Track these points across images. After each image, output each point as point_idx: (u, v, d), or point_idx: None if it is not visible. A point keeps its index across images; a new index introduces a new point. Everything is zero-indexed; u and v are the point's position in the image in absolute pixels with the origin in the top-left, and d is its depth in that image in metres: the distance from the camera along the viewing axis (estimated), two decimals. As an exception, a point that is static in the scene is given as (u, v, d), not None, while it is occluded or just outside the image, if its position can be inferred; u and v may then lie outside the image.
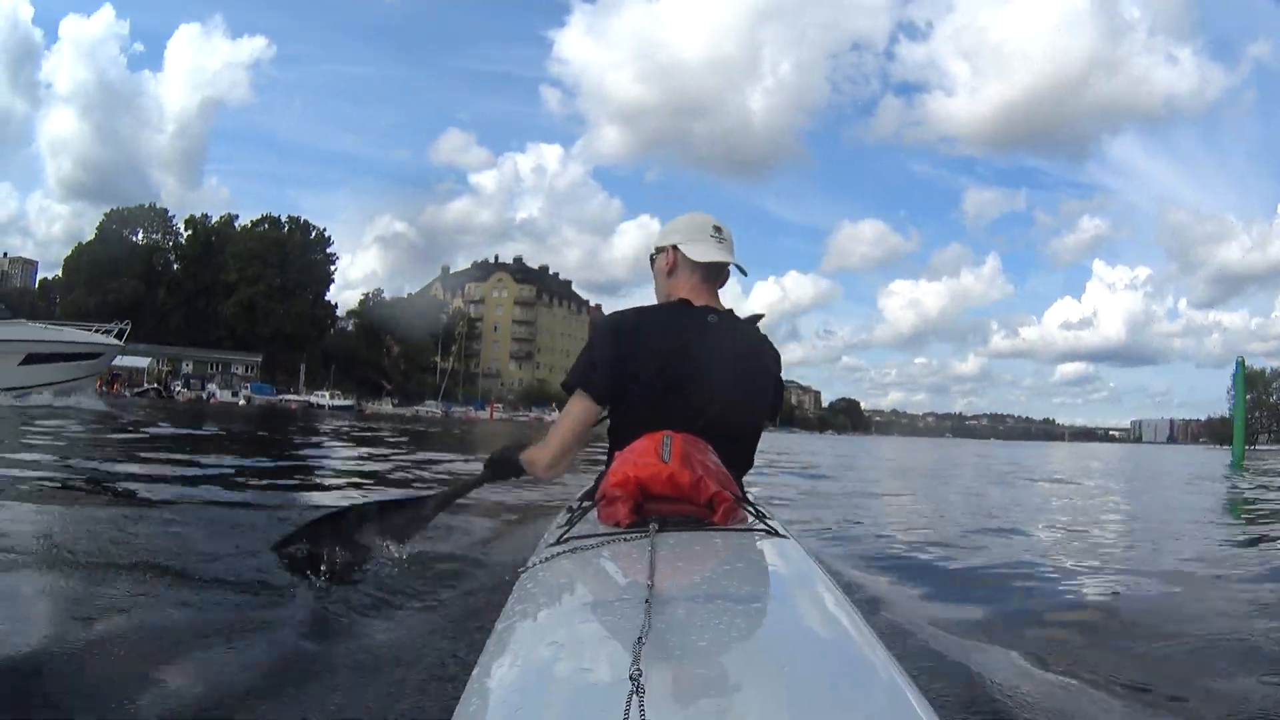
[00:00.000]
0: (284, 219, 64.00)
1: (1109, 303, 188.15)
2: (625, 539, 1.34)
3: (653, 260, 2.12)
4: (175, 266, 62.37)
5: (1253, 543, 5.88)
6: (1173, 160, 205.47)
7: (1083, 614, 3.11)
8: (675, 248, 2.03)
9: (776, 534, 1.46)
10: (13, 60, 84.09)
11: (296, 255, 61.80)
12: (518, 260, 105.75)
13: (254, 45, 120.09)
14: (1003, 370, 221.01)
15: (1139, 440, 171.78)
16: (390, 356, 75.82)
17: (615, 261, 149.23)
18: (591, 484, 1.97)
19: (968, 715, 1.86)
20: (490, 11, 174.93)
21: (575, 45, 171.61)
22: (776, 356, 2.08)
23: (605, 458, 1.91)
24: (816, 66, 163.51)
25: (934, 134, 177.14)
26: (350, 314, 74.82)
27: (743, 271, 2.10)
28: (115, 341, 17.13)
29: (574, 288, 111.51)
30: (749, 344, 1.99)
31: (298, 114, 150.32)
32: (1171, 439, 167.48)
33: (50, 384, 14.62)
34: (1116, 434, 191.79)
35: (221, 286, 60.07)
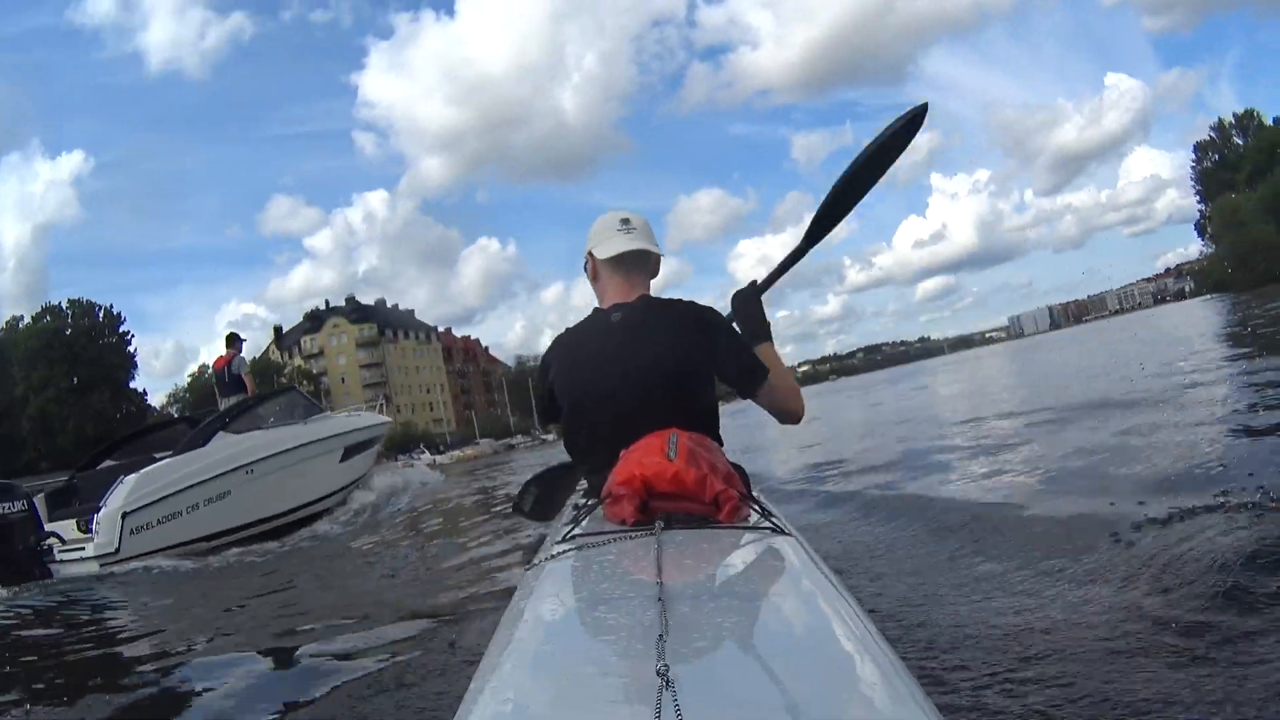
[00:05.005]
0: (64, 305, 55.14)
1: (954, 212, 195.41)
2: (631, 537, 1.35)
3: (586, 270, 2.14)
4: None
5: None
6: (988, 62, 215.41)
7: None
8: (591, 253, 2.07)
9: (781, 532, 1.43)
10: None
11: (83, 345, 53.30)
12: (350, 300, 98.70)
13: (72, 161, 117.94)
14: (865, 303, 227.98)
15: (1021, 334, 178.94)
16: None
17: (465, 290, 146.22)
18: (586, 489, 2.04)
19: (968, 712, 1.89)
20: (288, 71, 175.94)
21: (379, 84, 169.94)
22: (708, 322, 1.95)
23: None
24: (620, 52, 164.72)
25: (746, 90, 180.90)
26: (171, 396, 66.47)
27: (660, 254, 2.09)
28: (389, 419, 14.89)
29: (418, 315, 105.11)
30: (661, 324, 1.94)
31: (127, 219, 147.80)
32: (1055, 325, 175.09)
33: (359, 478, 12.63)
34: (995, 335, 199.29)
35: (16, 403, 50.72)
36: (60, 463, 45.76)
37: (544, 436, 67.51)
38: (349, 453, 12.16)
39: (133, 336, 57.56)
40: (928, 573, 3.36)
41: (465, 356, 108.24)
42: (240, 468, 9.91)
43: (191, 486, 9.30)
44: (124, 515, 8.65)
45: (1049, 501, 4.14)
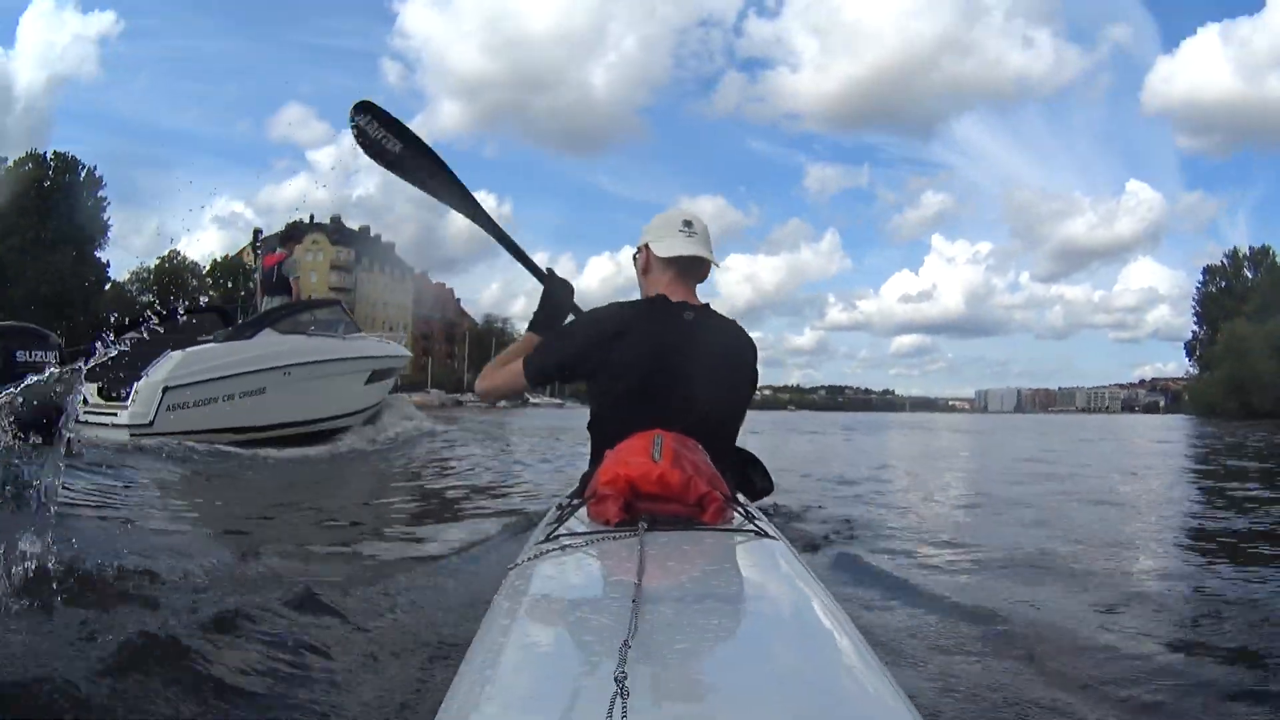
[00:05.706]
0: (49, 156, 52.54)
1: (948, 276, 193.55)
2: (614, 537, 1.34)
3: (635, 261, 2.13)
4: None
5: None
6: (1017, 140, 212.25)
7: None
8: (647, 246, 2.05)
9: (765, 535, 1.44)
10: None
11: (58, 200, 50.56)
12: (335, 220, 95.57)
13: (103, 20, 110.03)
14: (839, 343, 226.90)
15: (984, 410, 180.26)
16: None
17: (451, 238, 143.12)
18: (579, 481, 1.96)
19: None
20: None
21: (420, 18, 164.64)
22: (753, 349, 2.07)
23: (589, 453, 2.01)
24: (662, 42, 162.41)
25: (777, 110, 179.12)
26: (133, 274, 63.03)
27: (715, 264, 2.07)
28: (410, 354, 15.26)
29: (398, 251, 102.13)
30: (726, 339, 2.01)
31: (141, 91, 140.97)
32: (1019, 408, 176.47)
33: (378, 404, 12.47)
34: (959, 404, 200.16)
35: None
36: (12, 316, 42.62)
37: (500, 401, 65.68)
38: (374, 376, 12.09)
39: (109, 204, 55.14)
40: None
41: (436, 303, 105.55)
42: (280, 368, 9.87)
43: (233, 376, 9.25)
44: (165, 389, 8.55)
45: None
